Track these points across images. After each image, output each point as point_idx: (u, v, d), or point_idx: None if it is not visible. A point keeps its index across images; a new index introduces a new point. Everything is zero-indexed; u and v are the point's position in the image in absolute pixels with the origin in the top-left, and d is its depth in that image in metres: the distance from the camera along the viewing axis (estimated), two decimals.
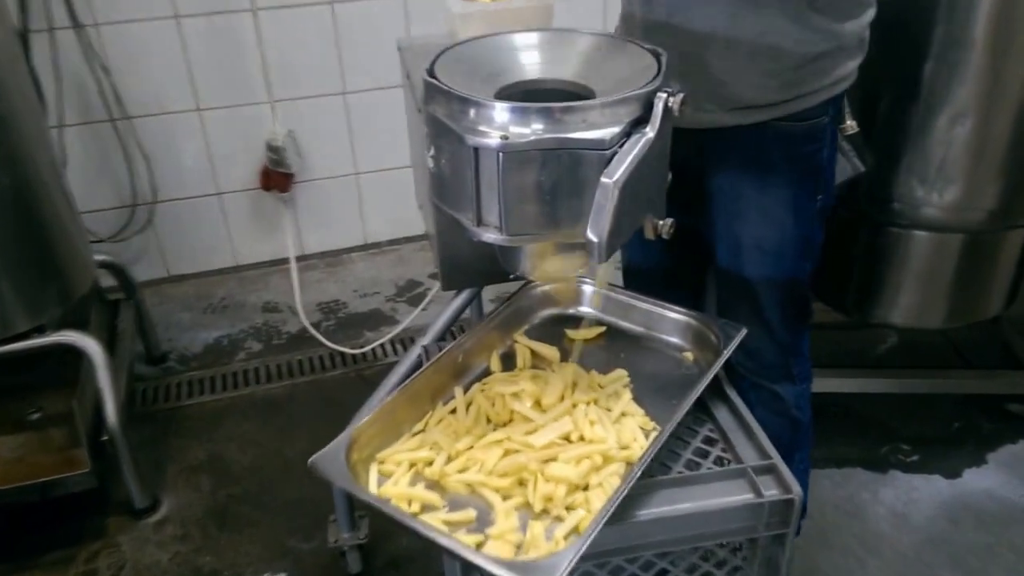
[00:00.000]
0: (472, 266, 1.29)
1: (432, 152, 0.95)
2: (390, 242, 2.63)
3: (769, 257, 1.22)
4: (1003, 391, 2.04)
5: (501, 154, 0.85)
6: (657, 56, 0.97)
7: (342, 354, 2.17)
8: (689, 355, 1.16)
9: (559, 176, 0.87)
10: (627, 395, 1.06)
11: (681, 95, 0.87)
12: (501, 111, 0.85)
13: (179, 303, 2.38)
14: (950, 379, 2.05)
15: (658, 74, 0.92)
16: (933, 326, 1.89)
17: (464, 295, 1.40)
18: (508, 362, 1.15)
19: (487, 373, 1.13)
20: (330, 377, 2.11)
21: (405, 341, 2.22)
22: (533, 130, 0.85)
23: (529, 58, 1.01)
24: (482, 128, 0.86)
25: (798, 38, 1.07)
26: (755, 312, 1.26)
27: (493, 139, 0.84)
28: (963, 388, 2.05)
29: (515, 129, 0.85)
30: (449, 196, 0.96)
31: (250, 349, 2.21)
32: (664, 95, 0.88)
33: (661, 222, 0.95)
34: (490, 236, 0.93)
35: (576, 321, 1.23)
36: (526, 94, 0.96)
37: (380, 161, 2.47)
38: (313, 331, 2.23)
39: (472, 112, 0.87)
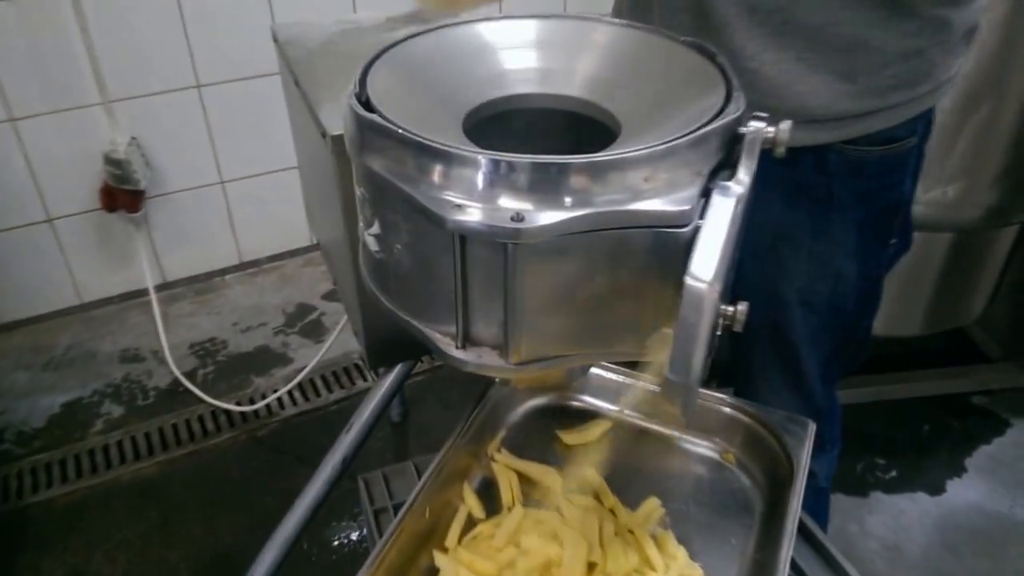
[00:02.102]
0: (406, 335, 0.93)
1: (376, 230, 0.58)
2: (270, 258, 2.21)
3: (821, 315, 0.92)
4: (971, 389, 1.88)
5: (514, 247, 0.50)
6: (709, 55, 0.63)
7: (227, 412, 1.75)
8: (731, 456, 0.85)
9: (607, 274, 0.53)
10: (679, 552, 0.73)
11: (788, 123, 0.54)
12: (503, 170, 0.50)
13: (11, 359, 1.88)
14: (916, 381, 1.85)
15: (729, 89, 0.58)
16: (910, 334, 1.68)
17: (396, 372, 1.03)
18: (489, 492, 0.81)
19: (469, 522, 0.78)
20: (216, 445, 1.69)
21: (306, 387, 1.82)
22: (559, 202, 0.50)
23: (515, 62, 0.66)
24: (468, 200, 0.50)
25: (886, 26, 0.75)
26: (790, 374, 0.97)
27: (498, 221, 0.49)
28: (932, 390, 1.87)
29: (527, 201, 0.50)
30: (409, 299, 0.60)
31: (109, 415, 1.75)
32: (760, 125, 0.54)
33: (732, 308, 0.61)
34: (486, 362, 0.57)
35: (568, 415, 0.90)
36: (525, 128, 0.61)
37: (249, 165, 2.03)
38: (187, 383, 1.80)
39: (449, 171, 0.51)
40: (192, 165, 1.97)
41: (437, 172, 0.51)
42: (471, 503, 0.81)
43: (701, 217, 0.52)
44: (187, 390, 1.79)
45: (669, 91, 0.61)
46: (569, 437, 0.88)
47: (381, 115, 0.53)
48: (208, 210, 2.05)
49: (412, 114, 0.57)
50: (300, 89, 0.91)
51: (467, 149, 0.50)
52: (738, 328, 0.61)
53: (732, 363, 1.05)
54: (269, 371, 1.88)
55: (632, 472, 0.84)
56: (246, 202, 2.09)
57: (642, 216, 0.50)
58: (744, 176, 0.54)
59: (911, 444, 1.80)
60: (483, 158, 0.49)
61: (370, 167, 0.54)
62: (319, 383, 1.85)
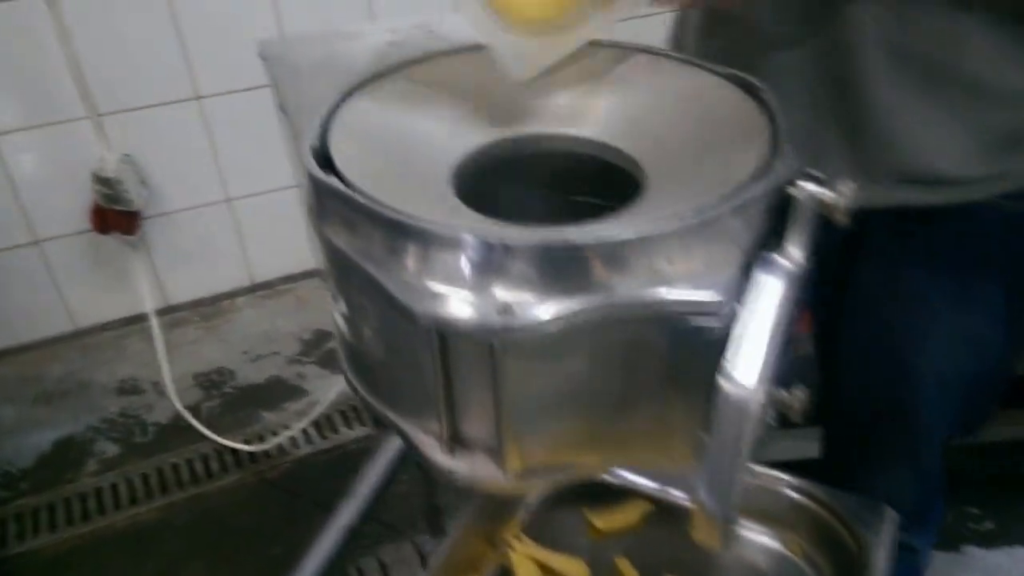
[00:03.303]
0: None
1: (343, 309, 0.52)
2: (283, 279, 2.16)
3: (955, 394, 0.85)
4: None
5: (502, 345, 0.43)
6: (754, 92, 0.55)
7: (234, 450, 1.72)
8: (798, 548, 0.78)
9: (620, 373, 0.46)
10: None
11: (852, 186, 0.47)
12: (491, 252, 0.43)
13: None
14: (1018, 424, 1.73)
15: (776, 136, 0.51)
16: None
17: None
18: None
19: None
20: (221, 487, 1.65)
21: (322, 423, 1.78)
22: (562, 290, 0.43)
23: (521, 96, 0.59)
24: (449, 288, 0.43)
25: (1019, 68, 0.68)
26: (905, 455, 0.90)
27: (482, 316, 0.42)
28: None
29: (522, 288, 0.43)
30: (385, 390, 0.54)
31: (103, 454, 1.73)
32: (814, 188, 0.46)
33: (789, 393, 0.53)
34: (479, 474, 0.51)
35: (600, 493, 0.83)
36: (530, 174, 0.54)
37: (259, 180, 1.99)
38: (190, 418, 1.76)
39: (424, 252, 0.44)
40: (195, 182, 1.93)
41: (410, 253, 0.44)
42: None
43: (740, 302, 0.45)
44: (190, 426, 1.76)
45: (704, 135, 0.54)
46: (600, 520, 0.81)
47: (342, 177, 0.47)
48: (214, 229, 2.01)
49: (389, 165, 0.50)
50: (285, 115, 0.86)
51: (444, 225, 0.43)
52: (795, 418, 0.53)
53: (825, 444, 0.99)
54: (281, 405, 1.84)
55: (675, 563, 0.77)
56: (257, 220, 2.05)
57: (667, 306, 0.43)
58: (795, 250, 0.46)
59: (1010, 491, 1.68)
60: (466, 237, 0.43)
61: (330, 240, 0.47)
62: (337, 419, 1.81)
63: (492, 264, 0.43)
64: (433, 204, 0.48)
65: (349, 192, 0.45)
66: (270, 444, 1.72)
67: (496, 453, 0.49)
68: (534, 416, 0.47)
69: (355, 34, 0.96)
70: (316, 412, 1.75)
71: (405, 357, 0.49)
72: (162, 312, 2.01)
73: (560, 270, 0.42)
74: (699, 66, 0.59)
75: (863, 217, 0.78)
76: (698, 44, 0.83)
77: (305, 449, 1.73)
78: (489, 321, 0.42)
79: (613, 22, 0.60)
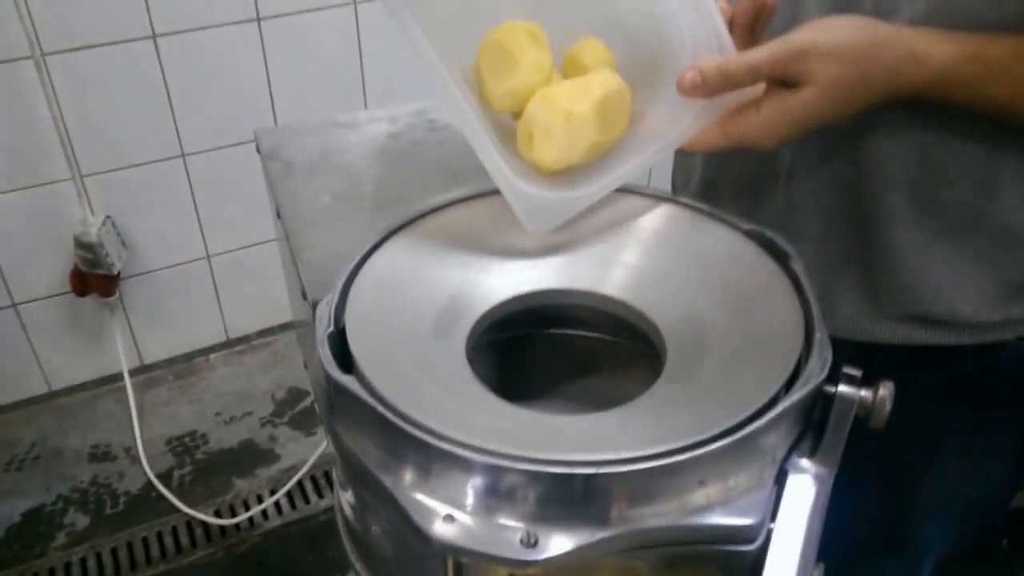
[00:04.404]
0: None
1: (351, 499, 0.49)
2: (260, 334, 2.12)
3: (960, 522, 0.84)
4: None
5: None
6: (775, 250, 0.53)
7: (204, 522, 1.66)
8: None
9: None
10: None
11: (890, 387, 0.44)
12: (507, 480, 0.40)
13: None
14: None
15: (808, 314, 0.48)
16: None
17: None
18: None
19: None
20: (191, 563, 1.60)
21: (294, 494, 1.73)
22: (584, 518, 0.40)
23: (537, 251, 0.57)
24: (461, 512, 0.41)
25: None
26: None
27: (502, 547, 0.39)
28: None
29: (540, 517, 0.40)
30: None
31: (73, 527, 1.67)
32: (852, 391, 0.44)
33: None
34: None
35: None
36: (546, 342, 0.52)
37: (239, 236, 1.95)
38: (162, 488, 1.71)
39: (434, 469, 0.41)
40: (174, 240, 1.89)
41: (425, 468, 0.41)
42: None
43: (773, 516, 0.42)
44: (161, 495, 1.70)
45: (729, 307, 0.51)
46: None
47: (360, 375, 0.44)
48: (191, 287, 1.97)
49: (405, 341, 0.47)
50: (281, 222, 0.82)
51: (462, 445, 0.40)
52: None
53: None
54: (253, 471, 1.79)
55: None
56: (234, 276, 2.01)
57: (698, 533, 0.41)
58: (830, 455, 0.44)
59: (990, 558, 1.67)
60: (481, 461, 0.40)
61: (342, 441, 0.44)
62: (308, 487, 1.76)
63: (511, 491, 0.40)
64: (452, 395, 0.45)
65: (367, 398, 0.42)
66: (241, 517, 1.67)
67: None
68: None
69: (352, 123, 0.93)
70: (289, 484, 1.71)
71: (414, 561, 0.46)
72: (136, 372, 1.96)
73: (584, 500, 0.40)
74: (723, 221, 0.57)
75: (868, 354, 0.77)
76: (707, 171, 0.81)
77: (275, 520, 1.69)
78: (511, 553, 0.39)
79: (639, 171, 0.58)
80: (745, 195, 0.77)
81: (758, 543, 0.41)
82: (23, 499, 1.72)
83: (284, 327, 2.15)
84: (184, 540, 1.64)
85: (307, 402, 1.97)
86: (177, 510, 1.68)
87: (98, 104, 1.64)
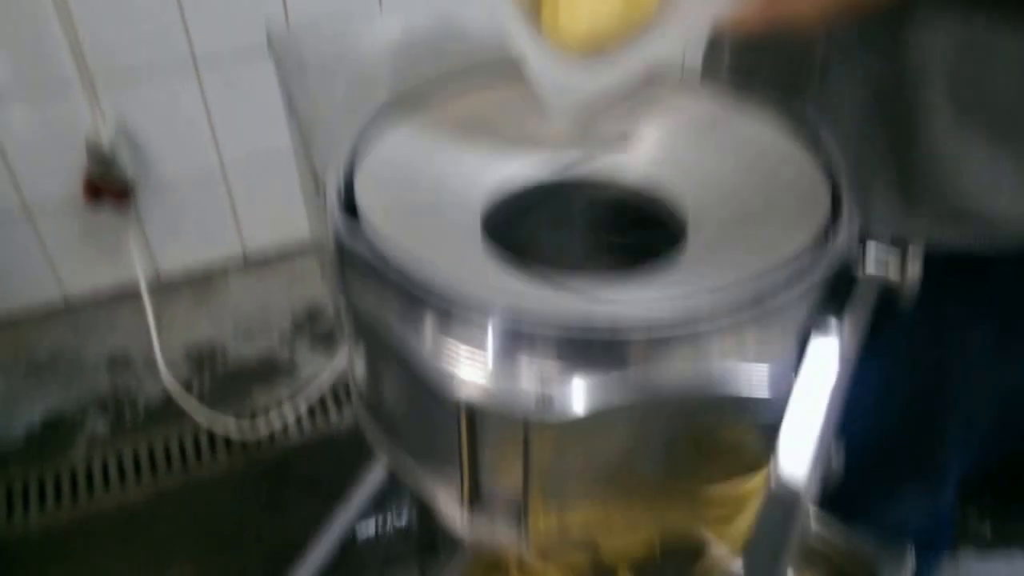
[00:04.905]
0: None
1: (362, 363, 0.49)
2: (279, 253, 2.12)
3: (985, 436, 0.84)
4: None
5: (537, 427, 0.40)
6: (810, 127, 0.52)
7: (226, 433, 1.69)
8: None
9: (659, 452, 0.43)
10: None
11: (919, 252, 0.43)
12: (525, 334, 0.39)
13: None
14: None
15: (835, 187, 0.47)
16: None
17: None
18: None
19: None
20: (211, 472, 1.63)
21: (315, 407, 1.75)
22: (600, 372, 0.40)
23: (545, 130, 0.55)
24: (471, 363, 0.40)
25: None
26: (921, 491, 0.90)
27: (518, 401, 0.39)
28: None
29: (557, 369, 0.40)
30: (405, 440, 0.51)
31: (93, 432, 1.70)
32: (879, 256, 0.43)
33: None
34: (498, 537, 0.48)
35: None
36: (562, 217, 0.51)
37: (253, 143, 1.93)
38: (181, 398, 1.73)
39: (454, 326, 0.41)
40: (188, 148, 1.87)
41: (439, 326, 0.41)
42: None
43: (793, 382, 0.42)
44: (181, 405, 1.73)
45: (757, 185, 0.50)
46: (611, 552, 0.78)
47: (371, 229, 0.43)
48: (208, 199, 1.96)
49: (418, 211, 0.47)
50: (295, 114, 0.81)
51: (479, 300, 0.40)
52: (835, 465, 0.51)
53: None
54: (274, 386, 1.81)
55: None
56: (251, 189, 2.00)
57: (716, 388, 0.40)
58: (857, 323, 0.43)
59: (1012, 493, 1.65)
60: (500, 314, 0.39)
61: (354, 303, 0.44)
62: (330, 403, 1.78)
63: (526, 343, 0.39)
64: (466, 259, 0.44)
65: (379, 258, 0.42)
66: (261, 428, 1.69)
67: (519, 524, 0.47)
68: (564, 492, 0.44)
69: (367, 27, 0.91)
70: (310, 396, 1.72)
71: (428, 421, 0.46)
72: (153, 284, 1.97)
73: (600, 353, 0.39)
74: (752, 103, 0.55)
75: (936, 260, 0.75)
76: (737, 61, 0.78)
77: (296, 433, 1.71)
78: (523, 408, 0.39)
79: (675, 49, 0.56)
80: (776, 93, 0.75)
81: (776, 408, 0.41)
82: (43, 405, 1.75)
83: (302, 247, 2.15)
84: (205, 449, 1.67)
85: (328, 322, 1.98)
86: (198, 420, 1.71)
87: (109, 9, 1.62)
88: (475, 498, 0.47)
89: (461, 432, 0.43)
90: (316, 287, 2.06)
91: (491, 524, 0.48)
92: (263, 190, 2.01)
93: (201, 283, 2.05)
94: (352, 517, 0.85)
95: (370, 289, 0.43)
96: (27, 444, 1.67)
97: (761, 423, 0.42)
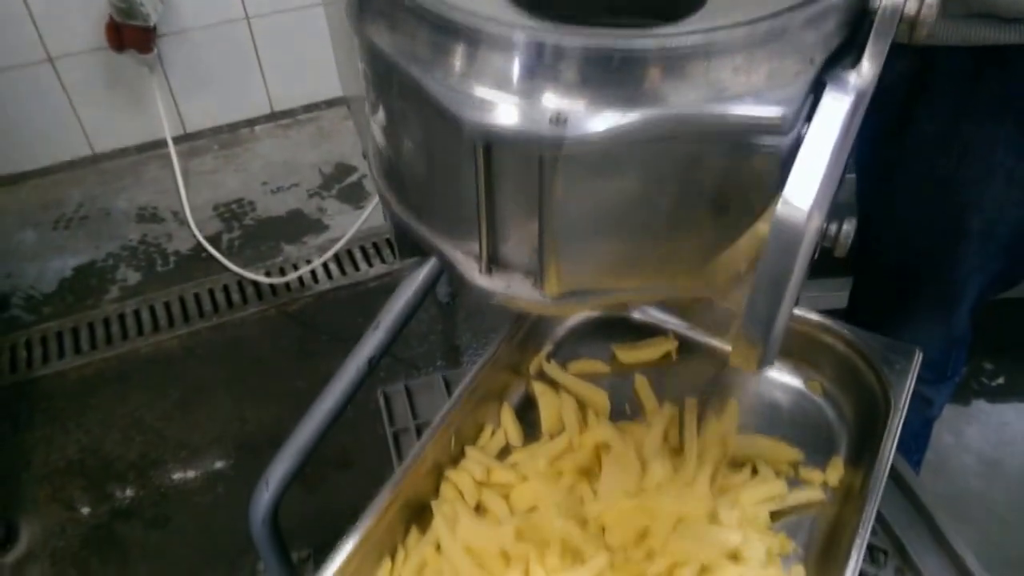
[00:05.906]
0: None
1: (381, 119, 0.51)
2: (306, 108, 2.13)
3: (1001, 245, 0.84)
4: None
5: (553, 158, 0.42)
6: None
7: (255, 282, 1.74)
8: (817, 385, 0.78)
9: (673, 193, 0.45)
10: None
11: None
12: (544, 55, 0.41)
13: (17, 216, 1.88)
14: None
15: None
16: None
17: (431, 266, 0.97)
18: (528, 414, 0.77)
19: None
20: (242, 319, 1.68)
21: (343, 258, 1.79)
22: (618, 99, 0.41)
23: None
24: (497, 94, 0.41)
25: None
26: (937, 307, 0.90)
27: (533, 124, 0.41)
28: None
29: (575, 96, 0.41)
30: (423, 206, 0.53)
31: (124, 282, 1.76)
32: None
33: (835, 226, 0.52)
34: (516, 292, 0.50)
35: (627, 329, 0.83)
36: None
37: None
38: (211, 249, 1.78)
39: (472, 53, 0.42)
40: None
41: (457, 54, 0.42)
42: (508, 425, 0.76)
43: (806, 121, 0.43)
44: (211, 256, 1.78)
45: None
46: (625, 354, 0.82)
47: None
48: (232, 51, 1.97)
49: None
50: None
51: (495, 23, 0.41)
52: (840, 253, 0.52)
53: (854, 294, 0.99)
54: (302, 238, 1.85)
55: (697, 399, 0.78)
56: (277, 43, 2.00)
57: (728, 121, 0.42)
58: (870, 66, 0.44)
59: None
60: (518, 37, 0.40)
61: (371, 40, 0.45)
62: (358, 255, 1.81)
63: (545, 68, 0.41)
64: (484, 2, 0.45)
65: None
66: (291, 277, 1.73)
67: (536, 273, 0.49)
68: (578, 234, 0.46)
69: None
70: (337, 246, 1.76)
71: (446, 170, 0.48)
72: (180, 139, 2.00)
73: (617, 77, 0.40)
74: None
75: (929, 57, 0.75)
76: None
77: (325, 283, 1.75)
78: (540, 130, 0.40)
79: None
80: None
81: (788, 140, 0.42)
82: (73, 256, 1.80)
83: (330, 103, 2.16)
84: (236, 297, 1.72)
85: (354, 177, 2.00)
86: (227, 269, 1.75)
87: None
88: (493, 252, 0.49)
89: (479, 172, 0.44)
90: (343, 143, 2.07)
91: (508, 280, 0.51)
92: (288, 44, 2.00)
93: (228, 137, 2.07)
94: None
95: (387, 26, 0.44)
96: (60, 292, 1.73)
97: (772, 168, 0.43)
